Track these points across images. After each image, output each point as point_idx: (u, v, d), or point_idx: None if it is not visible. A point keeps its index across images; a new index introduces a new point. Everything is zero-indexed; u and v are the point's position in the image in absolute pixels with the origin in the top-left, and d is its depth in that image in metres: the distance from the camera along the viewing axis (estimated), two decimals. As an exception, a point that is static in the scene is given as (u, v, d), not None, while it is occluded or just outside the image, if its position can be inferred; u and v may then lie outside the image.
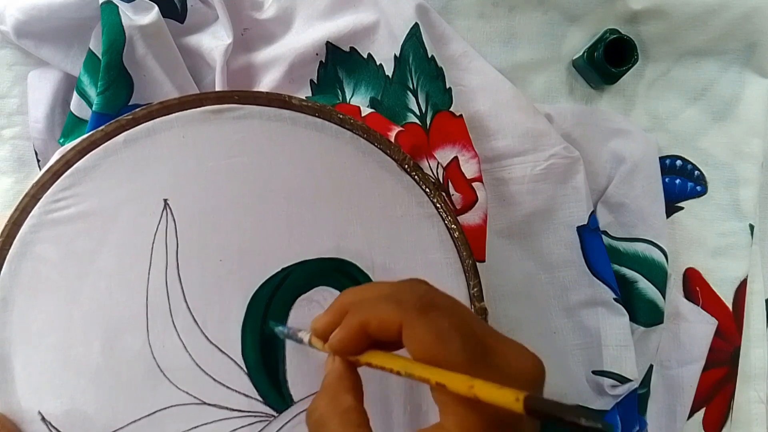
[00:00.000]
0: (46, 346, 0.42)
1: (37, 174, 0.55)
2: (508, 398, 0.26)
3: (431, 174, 0.52)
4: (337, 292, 0.44)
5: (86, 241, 0.43)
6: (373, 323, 0.32)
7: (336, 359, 0.34)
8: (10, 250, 0.42)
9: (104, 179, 0.43)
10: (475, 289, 0.45)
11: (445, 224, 0.46)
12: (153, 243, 0.43)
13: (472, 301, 0.45)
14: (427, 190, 0.46)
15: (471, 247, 0.46)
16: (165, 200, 0.44)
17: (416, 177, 0.46)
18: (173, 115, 0.44)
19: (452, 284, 0.45)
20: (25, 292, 0.42)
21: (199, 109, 0.44)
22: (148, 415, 0.42)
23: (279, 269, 0.44)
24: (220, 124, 0.45)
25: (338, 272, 0.45)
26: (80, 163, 0.43)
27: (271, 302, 0.44)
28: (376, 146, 0.46)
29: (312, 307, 0.44)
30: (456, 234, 0.46)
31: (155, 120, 0.44)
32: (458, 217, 0.51)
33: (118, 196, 0.43)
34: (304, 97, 0.56)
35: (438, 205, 0.46)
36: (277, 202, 0.45)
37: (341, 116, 0.46)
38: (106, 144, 0.44)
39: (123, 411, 0.42)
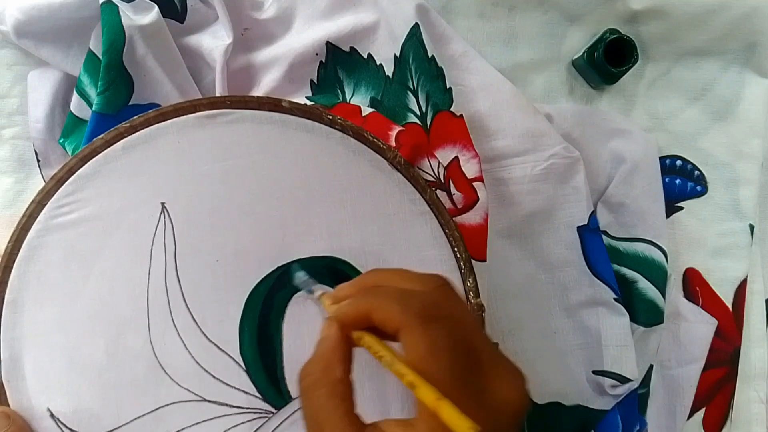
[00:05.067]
0: (54, 345, 0.43)
1: (40, 178, 0.56)
2: (463, 427, 0.27)
3: (432, 173, 0.52)
4: (332, 290, 0.44)
5: (89, 244, 0.44)
6: (376, 315, 0.33)
7: (334, 327, 0.34)
8: (19, 254, 0.43)
9: (105, 185, 0.44)
10: (471, 285, 0.45)
11: (438, 221, 0.46)
12: (152, 245, 0.44)
13: (468, 297, 0.45)
14: (419, 187, 0.46)
15: (469, 245, 0.46)
16: (162, 204, 0.44)
17: (408, 175, 0.46)
18: (169, 121, 0.45)
19: None
20: (33, 294, 0.43)
21: (193, 114, 0.45)
22: (151, 411, 0.42)
23: (274, 268, 0.44)
24: (214, 128, 0.45)
25: (332, 270, 0.45)
26: (82, 170, 0.44)
27: (267, 300, 0.44)
28: (367, 145, 0.46)
29: (307, 305, 0.44)
30: (449, 230, 0.46)
31: (152, 127, 0.45)
32: (459, 217, 0.51)
33: (118, 200, 0.44)
34: (303, 98, 0.56)
35: (430, 202, 0.46)
36: (271, 203, 0.45)
37: (331, 117, 0.46)
38: (105, 151, 0.45)
39: (127, 408, 0.43)
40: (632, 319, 0.55)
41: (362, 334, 0.34)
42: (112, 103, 0.51)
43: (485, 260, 0.51)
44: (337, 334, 0.34)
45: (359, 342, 0.34)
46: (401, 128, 0.53)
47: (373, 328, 0.34)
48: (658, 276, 0.56)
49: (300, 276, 0.43)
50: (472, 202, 0.52)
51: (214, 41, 0.56)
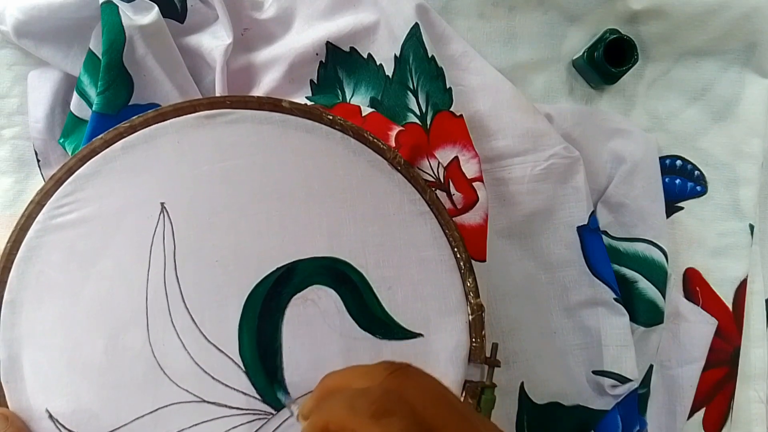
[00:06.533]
0: (53, 346, 0.43)
1: (40, 178, 0.57)
2: None
3: (432, 173, 0.52)
4: (331, 291, 0.44)
5: (88, 244, 0.44)
6: (332, 428, 0.32)
7: None
8: (18, 254, 0.43)
9: (104, 185, 0.44)
10: (471, 286, 0.45)
11: (438, 221, 0.46)
12: (151, 245, 0.44)
13: (467, 298, 0.45)
14: (419, 187, 0.46)
15: (469, 245, 0.46)
16: (162, 204, 0.44)
17: (407, 175, 0.46)
18: (168, 121, 0.45)
19: (447, 281, 0.45)
20: (32, 294, 0.43)
21: (193, 114, 0.45)
22: (150, 412, 0.42)
23: (273, 269, 0.44)
24: (214, 128, 0.45)
25: (332, 271, 0.45)
26: (81, 170, 0.44)
27: (266, 301, 0.44)
28: (367, 146, 0.46)
29: (306, 306, 0.44)
30: (449, 231, 0.46)
31: (152, 127, 0.45)
32: (459, 217, 0.51)
33: (118, 200, 0.44)
34: (303, 97, 0.56)
35: (430, 202, 0.46)
36: (271, 204, 0.45)
37: (331, 117, 0.46)
38: (105, 151, 0.44)
39: (126, 408, 0.42)
40: (632, 319, 0.55)
41: None
42: (112, 103, 0.51)
43: (485, 260, 0.51)
44: None
45: None
46: (401, 128, 0.53)
47: None
48: (658, 276, 0.56)
49: (285, 396, 0.43)
50: (471, 202, 0.52)
51: (214, 41, 0.56)
